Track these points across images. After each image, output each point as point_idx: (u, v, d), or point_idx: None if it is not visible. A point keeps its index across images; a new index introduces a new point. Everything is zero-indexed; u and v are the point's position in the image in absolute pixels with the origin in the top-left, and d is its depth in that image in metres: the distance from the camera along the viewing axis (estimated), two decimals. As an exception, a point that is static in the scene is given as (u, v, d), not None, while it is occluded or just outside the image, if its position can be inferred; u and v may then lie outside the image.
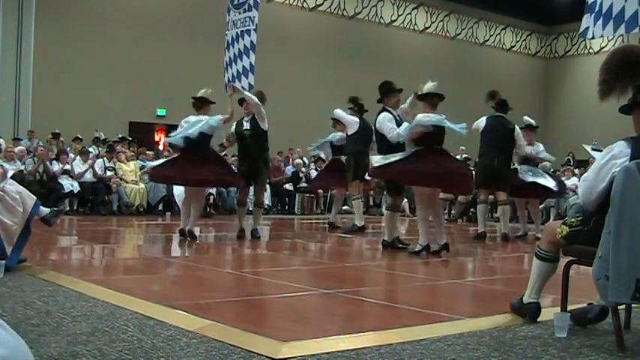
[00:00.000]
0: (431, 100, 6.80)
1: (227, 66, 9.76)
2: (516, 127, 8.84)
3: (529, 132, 9.30)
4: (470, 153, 14.07)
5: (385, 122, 7.05)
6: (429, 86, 6.88)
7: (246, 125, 8.17)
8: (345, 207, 12.44)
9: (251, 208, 9.27)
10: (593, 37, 5.78)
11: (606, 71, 3.25)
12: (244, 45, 9.68)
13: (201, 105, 7.90)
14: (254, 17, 9.68)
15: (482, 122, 8.74)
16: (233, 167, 8.44)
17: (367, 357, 2.79)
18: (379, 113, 7.36)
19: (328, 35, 19.49)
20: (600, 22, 5.36)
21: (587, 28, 5.51)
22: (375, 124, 7.37)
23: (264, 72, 15.10)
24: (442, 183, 6.93)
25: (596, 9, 5.40)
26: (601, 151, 3.38)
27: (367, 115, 9.31)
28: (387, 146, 7.06)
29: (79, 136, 14.02)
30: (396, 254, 7.02)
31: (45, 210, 5.41)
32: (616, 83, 3.22)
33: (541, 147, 9.45)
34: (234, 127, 8.24)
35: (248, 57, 9.58)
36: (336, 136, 10.06)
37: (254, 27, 9.64)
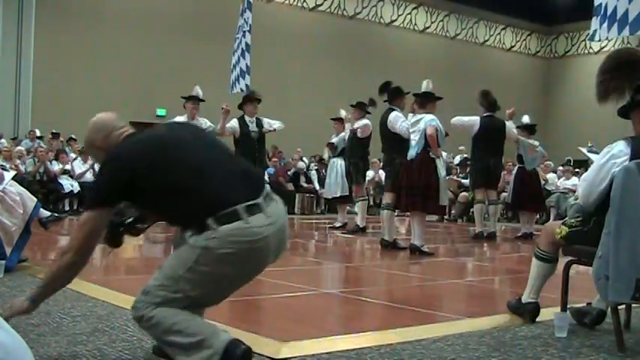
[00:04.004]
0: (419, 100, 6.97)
1: (233, 68, 9.83)
2: (505, 122, 8.91)
3: (524, 131, 9.35)
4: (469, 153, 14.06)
5: (399, 121, 7.29)
6: (424, 85, 7.08)
7: (252, 126, 8.11)
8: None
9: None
10: (600, 40, 5.80)
11: (602, 73, 3.26)
12: (241, 47, 9.75)
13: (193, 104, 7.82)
14: (248, 18, 9.73)
15: (475, 123, 8.74)
16: None
17: (367, 357, 2.79)
18: (388, 113, 7.46)
19: (328, 35, 19.49)
20: (606, 24, 5.39)
21: (595, 31, 5.53)
22: (384, 124, 7.46)
23: (264, 72, 15.12)
24: None
25: (602, 12, 5.42)
26: (597, 153, 3.39)
27: (369, 117, 9.30)
28: (398, 145, 7.23)
29: (73, 137, 14.01)
30: (396, 254, 7.02)
31: (45, 213, 5.41)
32: (612, 83, 3.22)
33: (537, 143, 9.48)
34: (235, 122, 8.10)
35: (244, 58, 9.62)
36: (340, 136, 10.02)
37: (248, 28, 9.68)
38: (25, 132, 14.35)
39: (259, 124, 8.18)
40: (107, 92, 15.67)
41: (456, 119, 8.72)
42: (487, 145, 8.73)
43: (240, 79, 9.64)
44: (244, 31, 9.77)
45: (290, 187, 14.22)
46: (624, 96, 3.25)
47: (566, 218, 3.53)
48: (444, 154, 7.58)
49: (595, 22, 5.54)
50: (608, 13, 5.36)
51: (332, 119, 10.41)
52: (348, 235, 9.23)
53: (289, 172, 14.55)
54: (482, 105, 8.85)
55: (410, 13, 21.61)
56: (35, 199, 5.18)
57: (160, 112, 16.34)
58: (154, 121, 15.71)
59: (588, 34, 5.68)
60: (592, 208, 3.21)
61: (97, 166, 10.98)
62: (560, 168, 14.62)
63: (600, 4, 5.46)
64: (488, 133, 8.67)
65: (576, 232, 3.28)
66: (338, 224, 10.19)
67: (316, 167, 14.99)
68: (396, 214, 7.58)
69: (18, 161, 11.33)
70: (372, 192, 13.76)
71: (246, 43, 9.65)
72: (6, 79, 14.91)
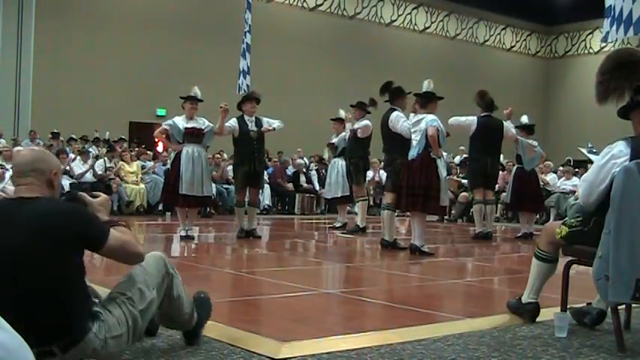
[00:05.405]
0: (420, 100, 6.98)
1: (241, 71, 9.89)
2: (503, 122, 8.91)
3: (522, 131, 9.35)
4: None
5: (400, 121, 7.29)
6: (425, 85, 7.09)
7: (251, 125, 8.10)
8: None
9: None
10: (612, 41, 5.82)
11: (601, 73, 3.27)
12: (242, 47, 9.79)
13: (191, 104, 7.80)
14: (248, 19, 9.75)
15: (473, 123, 8.75)
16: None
17: (367, 357, 2.80)
18: (389, 113, 7.47)
19: (328, 35, 19.49)
20: (615, 25, 5.43)
21: (608, 33, 5.56)
22: (385, 124, 7.47)
23: (264, 72, 15.13)
24: None
25: (612, 13, 5.45)
26: (597, 153, 3.40)
27: (369, 117, 9.29)
28: (399, 145, 7.22)
29: (74, 136, 14.01)
30: (396, 254, 7.02)
31: None
32: (611, 83, 3.23)
33: (535, 143, 9.49)
34: (234, 122, 8.09)
35: (245, 58, 9.65)
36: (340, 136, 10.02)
37: (248, 28, 9.70)
38: (25, 132, 14.35)
39: (258, 123, 8.16)
40: (107, 92, 15.69)
41: (453, 119, 8.70)
42: (485, 145, 8.73)
43: (243, 79, 9.69)
44: (244, 32, 9.81)
45: (289, 187, 14.24)
46: (624, 96, 3.26)
47: (566, 218, 3.53)
48: (444, 154, 7.58)
49: (606, 24, 5.57)
50: (616, 14, 5.40)
51: (332, 119, 10.40)
52: (348, 235, 9.22)
53: (287, 170, 14.54)
54: (479, 105, 8.88)
55: (410, 13, 21.61)
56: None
57: (160, 112, 16.34)
58: (154, 121, 15.72)
59: (593, 34, 5.74)
60: (592, 208, 3.21)
61: (97, 167, 10.86)
62: (561, 168, 14.61)
63: (610, 5, 5.49)
64: (485, 133, 8.68)
65: (576, 232, 3.28)
66: (338, 224, 10.19)
67: (316, 167, 14.98)
68: (396, 214, 7.58)
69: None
70: (372, 192, 13.76)
71: (247, 43, 9.68)
72: (6, 79, 14.91)
